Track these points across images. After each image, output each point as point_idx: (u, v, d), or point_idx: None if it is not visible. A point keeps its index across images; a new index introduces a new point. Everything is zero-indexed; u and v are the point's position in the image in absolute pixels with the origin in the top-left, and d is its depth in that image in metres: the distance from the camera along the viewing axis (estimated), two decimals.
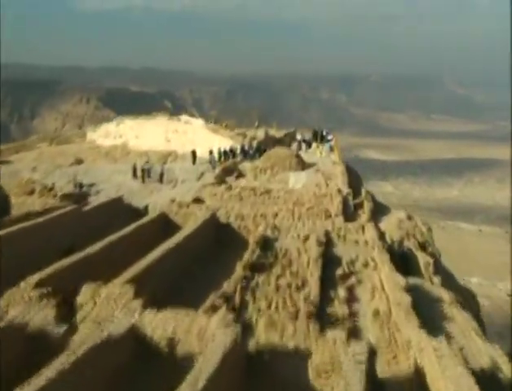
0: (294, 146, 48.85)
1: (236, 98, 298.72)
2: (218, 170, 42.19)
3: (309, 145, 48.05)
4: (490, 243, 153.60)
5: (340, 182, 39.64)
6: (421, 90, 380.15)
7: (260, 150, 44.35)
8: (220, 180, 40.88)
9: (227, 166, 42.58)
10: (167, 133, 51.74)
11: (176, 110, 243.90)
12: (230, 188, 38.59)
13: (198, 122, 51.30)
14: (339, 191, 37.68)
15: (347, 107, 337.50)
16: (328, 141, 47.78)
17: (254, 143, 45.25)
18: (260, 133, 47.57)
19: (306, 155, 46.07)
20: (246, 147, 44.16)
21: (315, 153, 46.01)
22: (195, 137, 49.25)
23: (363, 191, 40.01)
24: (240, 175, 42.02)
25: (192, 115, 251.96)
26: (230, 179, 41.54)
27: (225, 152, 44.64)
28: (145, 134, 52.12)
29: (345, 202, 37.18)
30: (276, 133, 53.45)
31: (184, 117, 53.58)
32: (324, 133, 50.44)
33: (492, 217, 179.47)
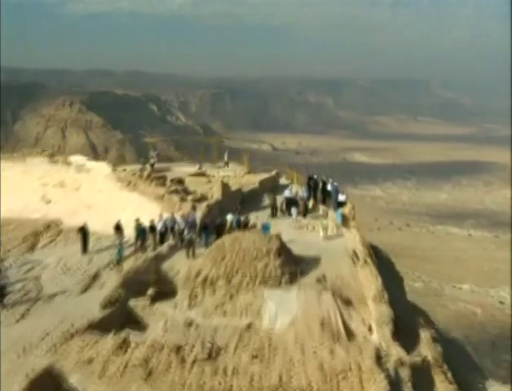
0: (281, 206, 24.74)
1: (222, 102, 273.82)
2: (118, 279, 18.43)
3: (305, 209, 24.69)
4: (480, 248, 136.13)
5: (375, 319, 16.25)
6: (407, 94, 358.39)
7: (208, 227, 20.61)
8: (116, 306, 17.26)
9: (138, 268, 18.79)
10: (46, 187, 27.52)
11: (162, 113, 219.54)
12: (125, 346, 15.11)
13: (100, 168, 27.28)
14: (379, 360, 14.32)
15: (335, 111, 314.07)
16: (340, 204, 23.96)
17: (200, 211, 21.52)
18: (216, 191, 23.52)
19: (296, 232, 22.58)
20: (182, 224, 20.41)
21: (317, 228, 22.33)
22: (94, 196, 25.44)
23: (422, 335, 16.73)
24: (165, 290, 18.35)
25: (176, 118, 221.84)
26: (139, 304, 17.85)
27: (143, 230, 20.90)
28: (5, 188, 27.60)
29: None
30: (247, 177, 29.40)
31: (78, 159, 29.16)
32: (330, 187, 25.29)
33: (482, 222, 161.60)
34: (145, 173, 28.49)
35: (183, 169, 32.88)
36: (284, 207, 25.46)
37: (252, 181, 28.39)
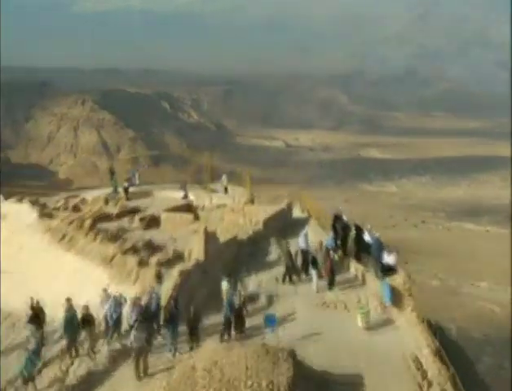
0: (294, 261, 15.95)
1: (234, 99, 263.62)
2: None
3: (331, 273, 15.72)
4: (498, 244, 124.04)
5: None
6: (419, 87, 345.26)
7: (174, 316, 12.04)
8: None
9: None
10: None
11: (174, 111, 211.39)
12: None
13: (21, 213, 18.15)
14: None
15: (347, 106, 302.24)
16: (385, 269, 14.43)
17: (171, 282, 13.00)
18: (197, 247, 14.94)
19: (317, 314, 13.91)
20: (133, 316, 11.96)
21: (350, 308, 13.76)
22: (10, 255, 16.49)
23: None
24: None
25: (188, 116, 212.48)
26: None
27: (72, 320, 12.24)
28: None
29: None
30: (247, 209, 20.26)
31: None
32: (367, 237, 15.75)
33: (499, 218, 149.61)
34: (115, 203, 19.98)
35: (166, 194, 24.27)
36: (298, 261, 16.65)
37: (254, 216, 19.55)
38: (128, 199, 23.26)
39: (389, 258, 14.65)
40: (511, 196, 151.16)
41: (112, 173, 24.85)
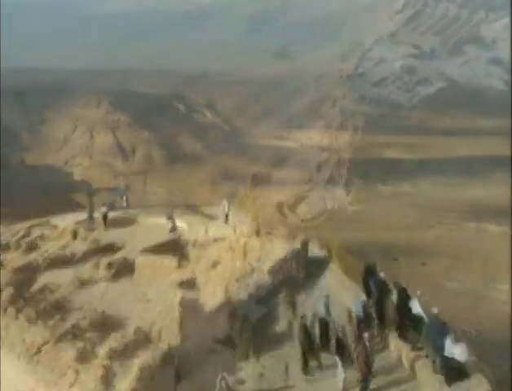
0: (306, 336, 11.15)
1: (248, 99, 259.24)
2: None
3: (365, 363, 10.90)
4: None
5: None
6: (420, 86, 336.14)
7: None
8: None
9: None
10: None
11: (188, 111, 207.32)
12: None
13: None
14: None
15: (352, 105, 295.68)
16: (452, 367, 8.30)
17: None
18: (171, 326, 10.56)
19: None
20: None
21: None
22: None
23: None
24: None
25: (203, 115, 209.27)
26: None
27: None
28: None
29: None
30: (251, 244, 15.40)
31: None
32: (416, 307, 10.55)
33: None
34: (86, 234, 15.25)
35: (154, 221, 19.45)
36: (316, 332, 11.58)
37: (258, 259, 14.59)
38: (106, 228, 18.54)
39: (455, 348, 9.49)
40: (511, 195, 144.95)
41: (90, 195, 20.23)
